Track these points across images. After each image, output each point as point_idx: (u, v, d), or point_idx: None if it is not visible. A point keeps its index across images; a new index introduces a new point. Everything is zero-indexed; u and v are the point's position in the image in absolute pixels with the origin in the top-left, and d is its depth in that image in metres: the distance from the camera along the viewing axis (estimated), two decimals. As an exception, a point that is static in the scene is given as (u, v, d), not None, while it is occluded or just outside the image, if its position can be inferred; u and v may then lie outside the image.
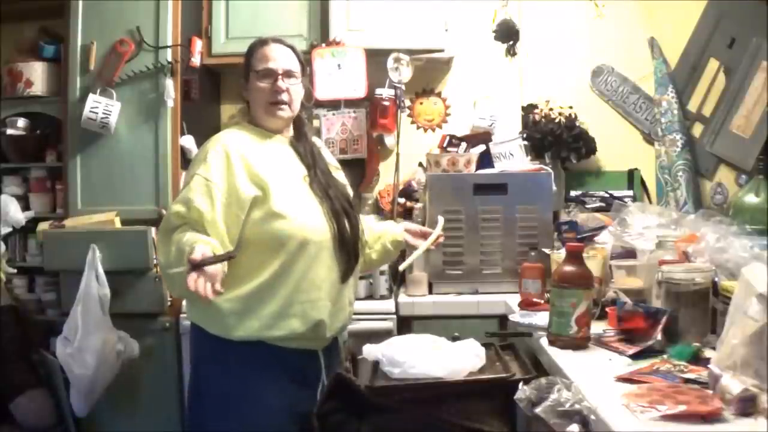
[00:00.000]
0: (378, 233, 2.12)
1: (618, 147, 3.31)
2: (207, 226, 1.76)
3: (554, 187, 2.93)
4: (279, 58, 1.94)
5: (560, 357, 1.68)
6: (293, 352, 1.86)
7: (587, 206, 3.01)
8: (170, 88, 2.84)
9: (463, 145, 3.16)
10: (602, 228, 2.51)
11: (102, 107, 2.81)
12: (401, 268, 2.29)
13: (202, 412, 1.89)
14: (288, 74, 1.93)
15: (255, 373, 1.83)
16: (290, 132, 2.02)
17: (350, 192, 2.10)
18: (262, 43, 1.97)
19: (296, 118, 2.03)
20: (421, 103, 3.41)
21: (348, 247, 1.94)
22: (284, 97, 1.92)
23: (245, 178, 1.82)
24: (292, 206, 1.85)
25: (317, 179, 1.95)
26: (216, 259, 1.63)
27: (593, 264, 2.03)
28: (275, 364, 1.84)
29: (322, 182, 1.96)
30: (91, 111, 2.80)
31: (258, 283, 1.81)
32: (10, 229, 2.99)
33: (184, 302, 2.56)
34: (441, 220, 2.16)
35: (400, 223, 2.21)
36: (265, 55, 1.94)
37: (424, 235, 2.11)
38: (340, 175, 2.09)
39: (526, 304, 2.29)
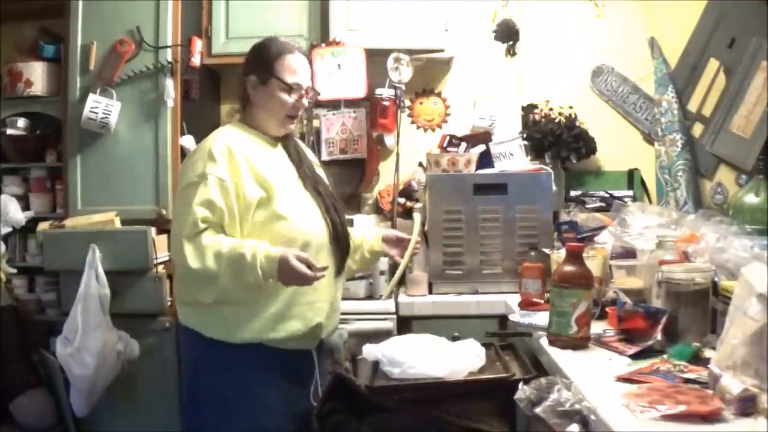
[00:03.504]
0: (357, 242, 2.12)
1: (618, 147, 3.31)
2: (227, 228, 1.78)
3: (554, 187, 2.93)
4: (305, 73, 1.94)
5: (560, 357, 1.68)
6: (290, 352, 1.86)
7: (587, 206, 3.01)
8: (170, 88, 2.83)
9: (463, 145, 3.16)
10: (602, 228, 2.51)
11: (102, 107, 2.81)
12: (384, 294, 2.36)
13: (201, 414, 1.89)
14: (308, 91, 1.95)
15: (253, 374, 1.83)
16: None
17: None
18: (288, 49, 1.93)
19: None
20: (421, 103, 3.41)
21: (341, 243, 1.96)
22: (300, 112, 1.95)
23: (250, 180, 1.83)
24: (293, 208, 1.85)
25: (308, 178, 1.97)
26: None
27: (593, 264, 2.03)
28: (273, 365, 1.84)
29: (312, 180, 1.97)
30: (91, 111, 2.80)
31: (262, 286, 1.81)
32: (10, 229, 2.99)
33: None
34: (417, 219, 2.17)
35: (378, 230, 2.21)
36: (292, 67, 1.91)
37: (401, 242, 2.12)
38: (321, 172, 2.10)
39: (526, 304, 2.29)
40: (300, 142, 2.12)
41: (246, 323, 1.81)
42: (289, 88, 1.90)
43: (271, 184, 1.83)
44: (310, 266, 1.73)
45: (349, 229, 2.09)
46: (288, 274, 1.73)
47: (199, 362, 1.91)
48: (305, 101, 1.93)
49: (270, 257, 1.72)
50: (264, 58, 1.92)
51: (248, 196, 1.81)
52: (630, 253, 2.27)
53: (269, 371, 1.84)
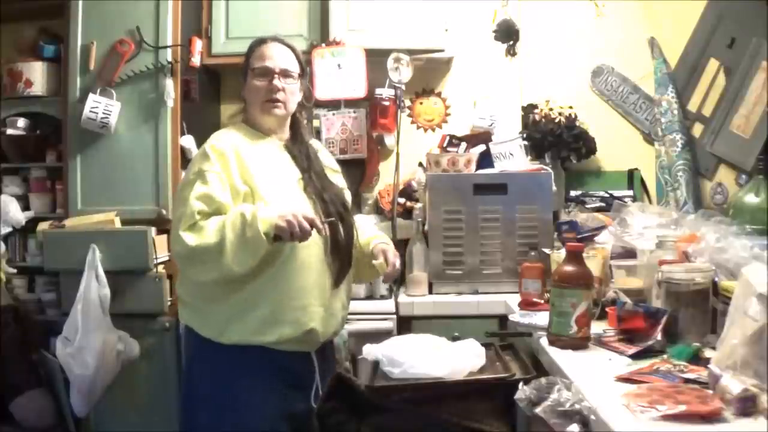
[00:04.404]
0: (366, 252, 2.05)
1: (618, 147, 3.31)
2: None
3: (554, 187, 2.93)
4: (276, 57, 1.94)
5: (560, 357, 1.68)
6: (286, 354, 1.85)
7: (587, 206, 3.01)
8: (170, 88, 2.83)
9: (463, 145, 3.15)
10: (602, 228, 2.50)
11: (102, 107, 2.81)
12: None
13: (195, 413, 1.89)
14: (285, 74, 1.93)
15: (247, 375, 1.83)
16: (286, 134, 2.01)
17: (348, 195, 2.09)
18: (261, 42, 1.98)
19: (293, 120, 2.03)
20: (421, 103, 3.41)
21: (341, 253, 1.93)
22: (280, 96, 1.92)
23: (238, 177, 1.83)
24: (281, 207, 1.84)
25: (312, 183, 1.94)
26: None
27: (593, 264, 2.03)
28: (268, 367, 1.84)
29: (317, 186, 1.95)
30: (91, 111, 2.80)
31: (249, 288, 1.81)
32: (10, 229, 2.99)
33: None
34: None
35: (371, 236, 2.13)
36: (263, 54, 1.94)
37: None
38: (337, 178, 2.08)
39: (526, 304, 2.29)
40: (318, 145, 2.11)
41: (234, 325, 1.81)
42: (259, 74, 1.92)
43: (255, 183, 1.83)
44: (312, 224, 1.75)
45: (364, 235, 2.06)
46: (287, 217, 1.72)
47: (194, 361, 1.92)
48: (278, 83, 1.91)
49: (267, 209, 1.76)
50: (245, 57, 1.99)
51: (239, 191, 1.82)
52: (630, 253, 2.27)
53: (262, 373, 1.84)
